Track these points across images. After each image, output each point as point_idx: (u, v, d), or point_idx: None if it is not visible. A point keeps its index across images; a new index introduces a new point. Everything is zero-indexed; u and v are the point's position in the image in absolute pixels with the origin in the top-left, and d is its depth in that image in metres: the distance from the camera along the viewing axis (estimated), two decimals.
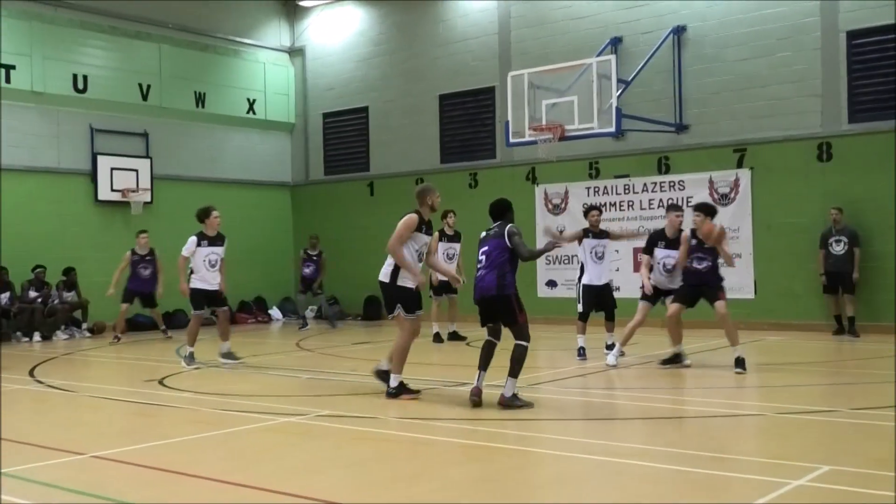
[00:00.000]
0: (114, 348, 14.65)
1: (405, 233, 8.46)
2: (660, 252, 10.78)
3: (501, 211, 8.23)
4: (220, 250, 11.74)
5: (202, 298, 11.66)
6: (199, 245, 11.64)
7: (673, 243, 10.71)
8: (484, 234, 8.19)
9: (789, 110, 15.18)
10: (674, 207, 11.15)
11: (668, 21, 16.17)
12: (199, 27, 20.12)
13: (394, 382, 8.60)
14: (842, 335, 14.04)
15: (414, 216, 8.54)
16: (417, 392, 8.67)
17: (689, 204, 15.94)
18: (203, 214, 11.75)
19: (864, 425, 7.12)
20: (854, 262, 14.02)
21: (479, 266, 8.06)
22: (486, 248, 8.05)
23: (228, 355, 11.79)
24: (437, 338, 14.24)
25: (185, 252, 11.67)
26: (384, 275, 8.63)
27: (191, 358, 11.59)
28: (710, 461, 5.96)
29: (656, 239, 10.91)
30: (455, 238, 14.25)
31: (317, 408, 8.19)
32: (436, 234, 13.98)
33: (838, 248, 14.15)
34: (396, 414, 7.91)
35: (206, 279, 11.65)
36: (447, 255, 14.13)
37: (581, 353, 11.45)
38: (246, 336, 16.49)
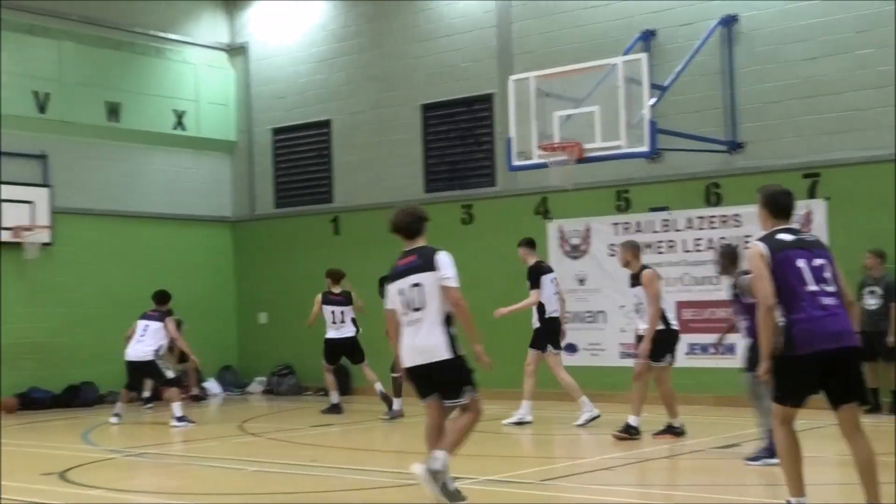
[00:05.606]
0: (10, 431, 14.54)
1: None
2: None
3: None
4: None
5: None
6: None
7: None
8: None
9: (869, 125, 15.30)
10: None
11: (713, 10, 16.37)
12: (112, 19, 20.16)
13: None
14: (878, 413, 13.80)
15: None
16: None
17: (747, 244, 16.03)
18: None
19: None
20: (890, 320, 14.09)
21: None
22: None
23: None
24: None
25: None
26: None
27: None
28: None
29: None
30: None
31: None
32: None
33: (872, 302, 14.27)
34: None
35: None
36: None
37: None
38: None
